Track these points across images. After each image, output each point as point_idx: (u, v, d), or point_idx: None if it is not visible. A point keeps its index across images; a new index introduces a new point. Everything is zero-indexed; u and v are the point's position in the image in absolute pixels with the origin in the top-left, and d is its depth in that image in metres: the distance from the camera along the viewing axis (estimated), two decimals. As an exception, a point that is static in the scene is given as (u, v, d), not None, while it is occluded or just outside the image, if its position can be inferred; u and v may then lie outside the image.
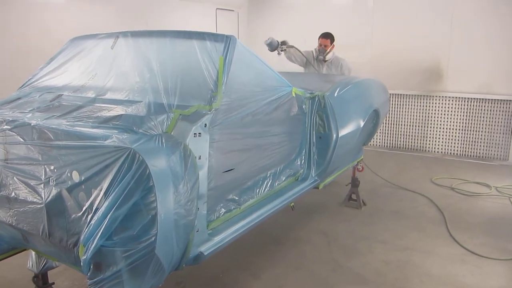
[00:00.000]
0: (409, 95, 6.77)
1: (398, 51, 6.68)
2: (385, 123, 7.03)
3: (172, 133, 1.89)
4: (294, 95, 2.81)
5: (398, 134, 6.98)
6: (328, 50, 4.85)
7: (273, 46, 4.53)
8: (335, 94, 3.13)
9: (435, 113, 6.63)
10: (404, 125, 6.90)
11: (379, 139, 7.15)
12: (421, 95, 6.69)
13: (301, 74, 4.65)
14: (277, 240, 3.70)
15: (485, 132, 6.30)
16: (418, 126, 6.80)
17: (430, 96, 6.61)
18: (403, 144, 6.97)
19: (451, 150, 6.60)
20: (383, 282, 3.03)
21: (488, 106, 6.22)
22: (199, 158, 1.93)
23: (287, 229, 3.91)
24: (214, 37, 2.29)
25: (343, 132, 3.11)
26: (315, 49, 4.97)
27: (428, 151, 6.78)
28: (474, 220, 4.13)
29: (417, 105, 6.75)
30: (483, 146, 6.34)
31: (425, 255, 3.44)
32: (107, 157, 1.67)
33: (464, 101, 6.38)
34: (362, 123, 3.40)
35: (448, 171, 5.77)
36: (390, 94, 6.85)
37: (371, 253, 3.49)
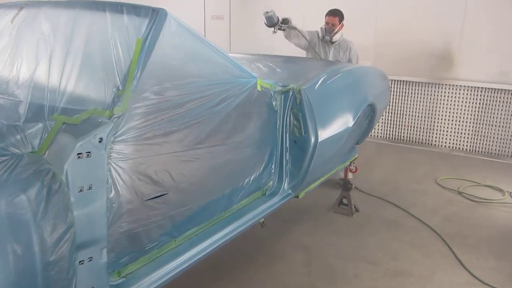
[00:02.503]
0: (415, 82, 6.08)
1: (404, 33, 5.96)
2: (388, 113, 6.36)
3: (46, 153, 1.28)
4: (260, 89, 2.17)
5: (401, 125, 6.32)
6: (336, 30, 4.16)
7: (271, 22, 3.86)
8: (316, 87, 2.48)
9: (443, 103, 5.94)
10: (409, 115, 6.23)
11: (381, 130, 6.49)
12: (428, 83, 5.99)
13: (296, 59, 3.94)
14: (247, 256, 3.13)
15: (498, 126, 5.61)
16: (424, 117, 6.12)
17: (438, 84, 5.91)
18: (406, 137, 6.31)
19: (460, 145, 5.94)
20: (368, 322, 2.46)
21: (503, 97, 5.52)
22: (89, 188, 1.32)
23: (262, 242, 3.32)
24: (136, 10, 1.65)
25: (324, 134, 2.48)
26: (320, 28, 4.26)
27: (435, 145, 6.12)
28: (483, 235, 3.51)
29: (424, 94, 6.06)
30: (496, 141, 5.66)
31: (422, 284, 2.85)
32: None
33: (477, 91, 5.68)
34: (351, 122, 2.76)
35: (455, 169, 5.12)
36: (394, 80, 6.22)
37: (357, 278, 2.90)
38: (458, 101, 5.83)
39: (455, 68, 5.76)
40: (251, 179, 2.30)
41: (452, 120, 5.92)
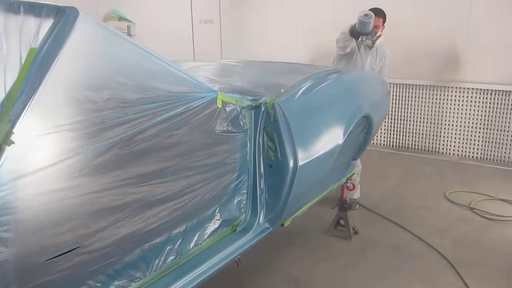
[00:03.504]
0: (419, 85, 5.63)
1: (405, 32, 5.51)
2: (391, 119, 5.91)
3: None
4: (220, 105, 1.76)
5: (405, 132, 5.86)
6: (379, 33, 3.50)
7: (365, 29, 3.20)
8: (294, 100, 2.06)
9: (450, 108, 5.48)
10: (413, 121, 5.77)
11: (383, 137, 6.04)
12: (433, 86, 5.53)
13: (276, 65, 3.48)
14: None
15: (511, 131, 5.15)
16: (430, 123, 5.66)
17: (444, 87, 5.46)
18: (411, 144, 5.85)
19: (469, 152, 5.47)
20: None
21: (516, 100, 5.07)
22: None
23: (243, 272, 2.89)
24: (36, 9, 1.25)
25: (306, 156, 2.05)
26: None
27: (442, 153, 5.65)
28: (501, 263, 3.04)
29: (428, 98, 5.61)
30: (509, 148, 5.19)
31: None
32: None
33: (486, 93, 5.21)
34: (342, 139, 2.33)
35: (465, 181, 4.66)
36: (396, 84, 5.78)
37: (354, 322, 2.47)
38: (466, 105, 5.37)
39: (462, 69, 5.31)
40: (215, 214, 1.88)
41: (460, 126, 5.46)
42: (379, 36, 3.46)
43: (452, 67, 5.36)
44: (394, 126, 5.92)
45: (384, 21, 3.57)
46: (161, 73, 1.54)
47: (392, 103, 5.83)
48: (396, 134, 5.93)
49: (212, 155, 1.79)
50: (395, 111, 5.85)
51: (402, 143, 5.92)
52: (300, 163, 1.98)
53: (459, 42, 5.25)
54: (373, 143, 6.07)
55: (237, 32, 6.72)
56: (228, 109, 1.82)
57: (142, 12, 5.36)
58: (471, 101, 5.33)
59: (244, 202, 2.00)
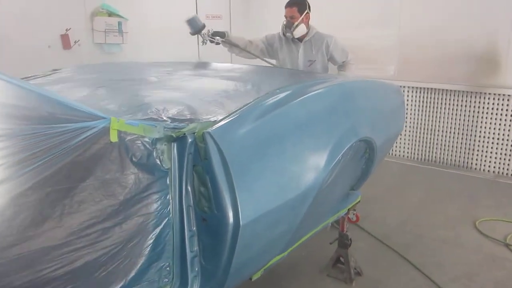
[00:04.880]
0: (450, 90, 4.89)
1: (435, 30, 4.79)
2: (416, 128, 5.20)
3: None
4: (115, 139, 1.21)
5: (432, 143, 5.14)
6: (297, 23, 3.35)
7: (195, 27, 3.33)
8: (238, 127, 1.48)
9: (486, 117, 4.72)
10: (442, 131, 5.04)
11: (407, 148, 5.33)
12: (467, 92, 4.78)
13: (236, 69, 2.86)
14: None
15: (560, 146, 4.36)
16: (462, 134, 4.91)
17: (480, 93, 4.70)
18: (439, 158, 5.12)
19: (508, 169, 4.69)
20: None
21: None
22: None
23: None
24: None
25: (256, 208, 1.45)
26: (282, 24, 3.46)
27: (475, 169, 4.90)
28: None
29: (461, 105, 4.87)
30: (557, 167, 4.40)
31: None
32: None
33: (531, 101, 4.45)
34: (322, 175, 1.70)
35: (502, 205, 3.93)
36: (422, 88, 5.07)
37: None
38: (505, 114, 4.60)
39: (502, 73, 4.54)
40: (128, 285, 1.33)
41: (498, 138, 4.69)
42: (297, 26, 3.35)
43: (489, 70, 4.61)
44: (419, 136, 5.20)
45: (301, 10, 3.38)
46: (17, 99, 1.01)
47: (418, 110, 5.14)
48: (422, 145, 5.22)
49: (109, 213, 1.24)
50: (421, 119, 5.15)
51: (428, 156, 5.19)
52: (244, 219, 1.38)
53: (499, 43, 4.49)
54: (394, 154, 5.38)
55: (250, 29, 6.14)
56: (133, 142, 1.28)
57: (137, 7, 4.89)
58: (511, 110, 4.56)
59: (168, 269, 1.44)
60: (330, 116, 1.83)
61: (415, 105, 5.15)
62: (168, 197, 1.39)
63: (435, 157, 5.14)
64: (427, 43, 4.89)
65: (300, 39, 3.47)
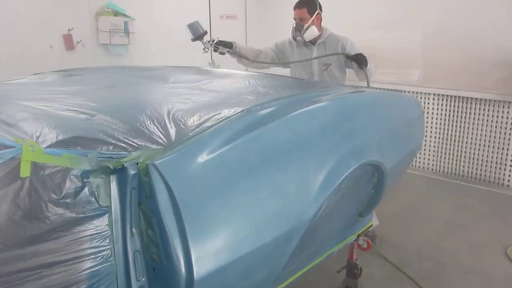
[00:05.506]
0: (481, 99, 4.47)
1: (463, 33, 4.38)
2: (442, 138, 4.80)
3: None
4: (27, 174, 0.95)
5: (460, 156, 4.72)
6: (308, 25, 3.10)
7: (195, 34, 3.08)
8: (195, 156, 1.18)
9: (521, 129, 4.29)
10: (471, 143, 4.62)
11: (432, 160, 4.92)
12: (499, 101, 4.36)
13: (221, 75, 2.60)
14: None
15: None
16: (493, 147, 4.49)
17: (514, 102, 4.28)
18: (467, 172, 4.70)
19: (544, 188, 4.25)
20: None
21: None
22: None
23: None
24: None
25: (220, 257, 1.16)
26: (292, 27, 3.19)
27: (507, 186, 4.46)
28: None
29: (492, 115, 4.44)
30: None
31: None
32: None
33: None
34: (313, 209, 1.38)
35: (537, 230, 3.51)
36: (449, 96, 4.66)
37: None
38: (544, 127, 4.16)
39: (540, 81, 4.10)
40: None
41: (534, 153, 4.25)
42: (307, 28, 3.11)
43: (525, 78, 4.18)
44: (445, 147, 4.80)
45: (311, 11, 3.13)
46: None
47: (445, 119, 4.74)
48: (448, 158, 4.80)
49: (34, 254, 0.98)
50: (448, 129, 4.75)
51: (455, 169, 4.78)
52: (200, 273, 1.09)
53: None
54: (417, 166, 4.99)
55: (266, 30, 5.86)
56: (53, 176, 1.01)
57: (145, 6, 4.68)
58: (549, 122, 4.12)
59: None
60: (324, 138, 1.51)
61: (441, 114, 4.75)
62: (108, 240, 1.12)
63: (463, 171, 4.72)
64: (453, 46, 4.49)
65: (313, 42, 3.21)
